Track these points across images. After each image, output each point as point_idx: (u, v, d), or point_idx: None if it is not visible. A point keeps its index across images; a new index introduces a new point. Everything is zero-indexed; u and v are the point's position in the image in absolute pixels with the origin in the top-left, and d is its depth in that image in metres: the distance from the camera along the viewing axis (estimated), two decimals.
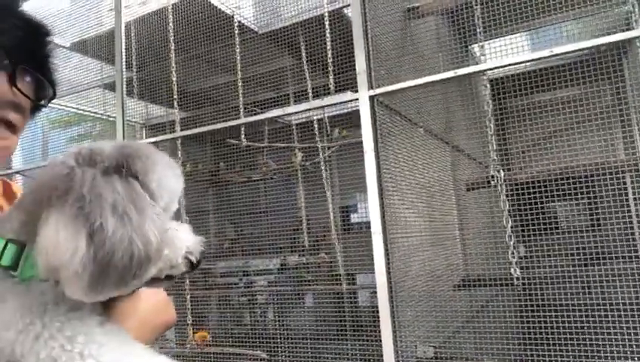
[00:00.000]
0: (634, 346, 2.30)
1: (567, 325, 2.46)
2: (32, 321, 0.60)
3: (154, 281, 0.70)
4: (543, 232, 2.79)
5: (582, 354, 2.37)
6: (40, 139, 4.69)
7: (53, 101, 0.90)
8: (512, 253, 2.57)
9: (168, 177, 0.68)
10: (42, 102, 0.86)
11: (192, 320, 3.73)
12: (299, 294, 4.11)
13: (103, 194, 0.59)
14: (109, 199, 0.58)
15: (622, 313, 2.38)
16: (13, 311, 0.60)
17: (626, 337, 2.32)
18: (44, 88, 0.85)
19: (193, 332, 3.76)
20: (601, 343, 2.33)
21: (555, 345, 2.43)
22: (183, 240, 0.71)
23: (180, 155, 3.74)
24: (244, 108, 3.45)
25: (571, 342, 2.40)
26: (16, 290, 0.62)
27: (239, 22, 3.76)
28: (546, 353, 2.44)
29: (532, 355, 2.51)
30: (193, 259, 0.71)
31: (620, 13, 3.05)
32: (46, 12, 4.25)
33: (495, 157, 2.61)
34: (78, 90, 4.53)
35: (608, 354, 2.30)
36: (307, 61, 3.69)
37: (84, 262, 0.55)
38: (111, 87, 4.19)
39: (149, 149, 0.69)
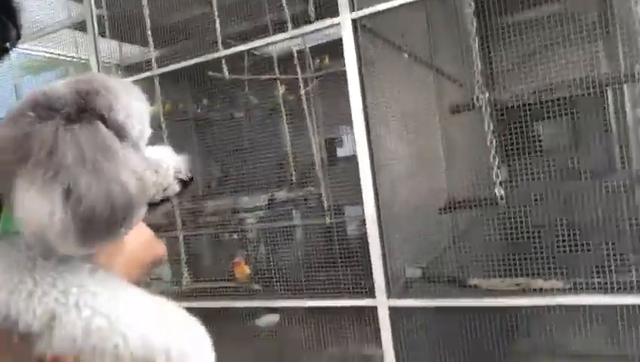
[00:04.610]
0: (610, 257, 2.39)
1: (548, 240, 2.55)
2: (22, 279, 0.59)
3: (152, 207, 0.72)
4: (525, 153, 2.82)
5: (562, 267, 2.48)
6: (11, 87, 4.53)
7: (22, 46, 0.85)
8: (496, 174, 2.61)
9: (133, 102, 0.66)
10: (7, 45, 0.81)
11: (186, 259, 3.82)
12: (288, 228, 4.16)
13: (68, 150, 0.56)
14: (75, 154, 0.56)
15: (598, 227, 2.47)
16: (1, 271, 0.59)
17: (603, 249, 2.41)
18: (6, 29, 0.79)
19: (232, 268, 3.80)
20: (580, 254, 2.43)
21: (536, 260, 2.53)
22: (169, 162, 0.72)
23: (159, 94, 3.65)
24: (222, 42, 3.33)
25: (552, 255, 2.50)
26: (0, 249, 0.60)
27: None
28: (529, 266, 2.55)
29: (515, 270, 2.62)
30: (183, 176, 0.74)
31: None
32: None
33: (479, 79, 2.59)
34: (47, 32, 4.32)
35: (588, 266, 2.40)
36: None
37: (65, 222, 0.54)
38: (81, 26, 4.01)
39: (104, 79, 0.65)
